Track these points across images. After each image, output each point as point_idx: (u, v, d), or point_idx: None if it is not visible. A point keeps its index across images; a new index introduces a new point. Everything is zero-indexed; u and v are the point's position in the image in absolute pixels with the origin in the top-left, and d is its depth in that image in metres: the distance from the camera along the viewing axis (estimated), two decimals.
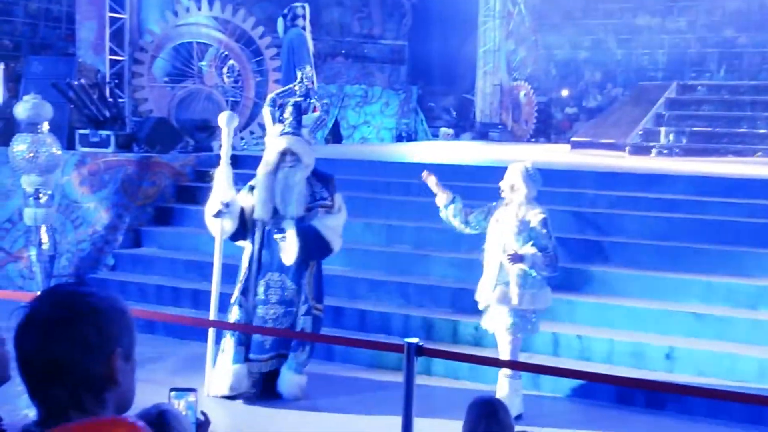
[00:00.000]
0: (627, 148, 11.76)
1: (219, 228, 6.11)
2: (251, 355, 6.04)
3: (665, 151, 11.44)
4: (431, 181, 6.03)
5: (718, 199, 7.96)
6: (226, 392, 5.95)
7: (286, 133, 6.10)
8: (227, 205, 6.00)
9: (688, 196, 8.11)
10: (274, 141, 6.13)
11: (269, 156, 6.06)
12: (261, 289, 6.02)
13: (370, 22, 19.38)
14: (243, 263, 6.16)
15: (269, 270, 6.02)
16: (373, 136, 17.31)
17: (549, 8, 18.59)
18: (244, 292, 6.08)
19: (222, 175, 6.09)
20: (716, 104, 12.35)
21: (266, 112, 8.26)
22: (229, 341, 6.04)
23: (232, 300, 6.12)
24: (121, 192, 9.28)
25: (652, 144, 11.72)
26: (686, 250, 7.33)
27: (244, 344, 6.02)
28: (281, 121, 6.40)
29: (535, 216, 5.59)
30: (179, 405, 2.41)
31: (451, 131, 17.30)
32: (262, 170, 6.09)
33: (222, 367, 6.03)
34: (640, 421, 5.89)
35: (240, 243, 6.21)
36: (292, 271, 6.01)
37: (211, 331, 6.21)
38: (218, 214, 6.04)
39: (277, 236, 5.98)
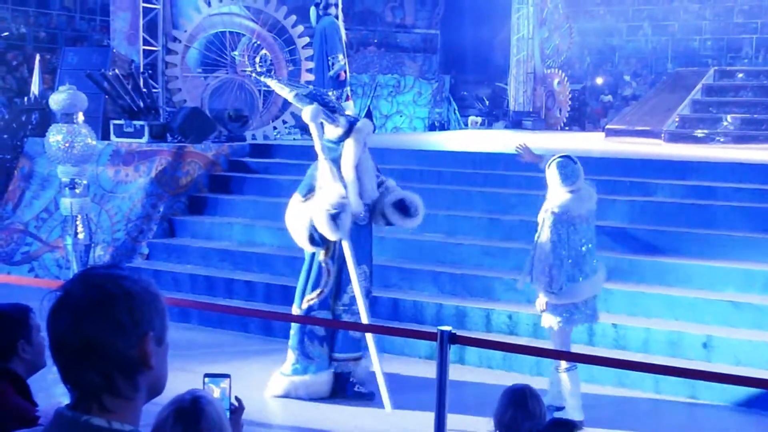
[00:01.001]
0: (663, 135, 11.62)
1: (336, 227, 5.57)
2: (339, 355, 5.92)
3: (703, 137, 11.28)
4: (527, 151, 6.00)
5: (755, 186, 7.84)
6: (305, 397, 5.85)
7: (356, 120, 5.96)
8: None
9: (725, 183, 8.00)
10: (356, 130, 5.79)
11: (353, 148, 5.74)
12: (349, 288, 5.82)
13: (402, 11, 19.32)
14: (324, 266, 5.84)
15: (359, 263, 5.75)
16: (405, 126, 17.26)
17: None
18: (333, 294, 5.86)
19: (327, 171, 5.75)
20: (755, 90, 12.15)
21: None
22: (315, 347, 5.87)
23: (313, 303, 5.85)
24: (155, 182, 9.34)
25: (689, 131, 11.56)
26: (723, 238, 7.23)
27: (330, 345, 5.91)
28: (333, 110, 5.97)
29: (547, 211, 5.48)
30: (214, 391, 2.42)
31: (479, 119, 17.20)
32: (350, 163, 5.71)
33: (306, 375, 5.86)
34: (677, 411, 5.82)
35: (313, 248, 5.84)
36: (368, 259, 5.95)
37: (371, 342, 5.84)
38: (337, 215, 5.56)
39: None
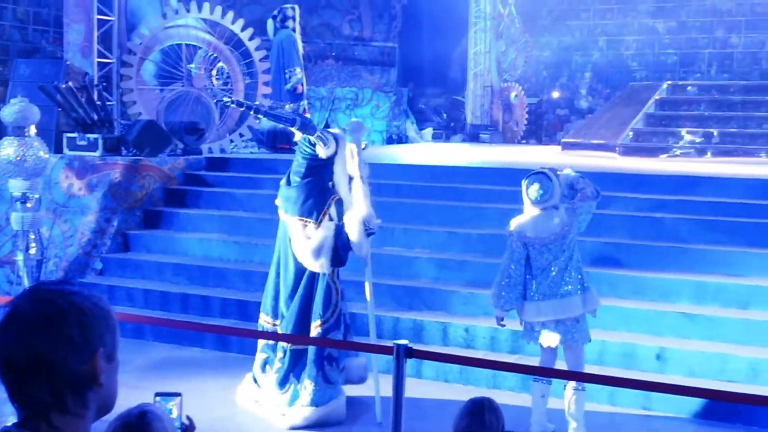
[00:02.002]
0: (618, 148, 11.80)
1: (368, 247, 5.75)
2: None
3: (657, 150, 11.48)
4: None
5: (707, 199, 8.00)
6: (333, 424, 5.68)
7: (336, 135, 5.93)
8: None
9: (678, 196, 8.14)
10: (354, 145, 5.79)
11: (358, 164, 5.75)
12: None
13: (360, 25, 19.38)
14: (333, 285, 5.79)
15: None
16: (363, 139, 17.27)
17: (539, 9, 18.65)
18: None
19: (360, 191, 5.73)
20: (708, 104, 12.40)
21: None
22: (334, 369, 5.78)
23: (329, 325, 5.73)
24: (109, 196, 9.26)
25: (643, 145, 11.76)
26: (676, 250, 7.36)
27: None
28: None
29: (507, 228, 5.53)
30: (164, 409, 2.42)
31: (429, 131, 17.33)
32: (362, 178, 5.75)
33: (330, 402, 5.71)
34: (633, 422, 5.91)
35: (329, 269, 5.77)
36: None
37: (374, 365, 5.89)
38: (369, 234, 5.69)
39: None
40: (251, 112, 6.77)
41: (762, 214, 7.61)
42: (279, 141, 11.67)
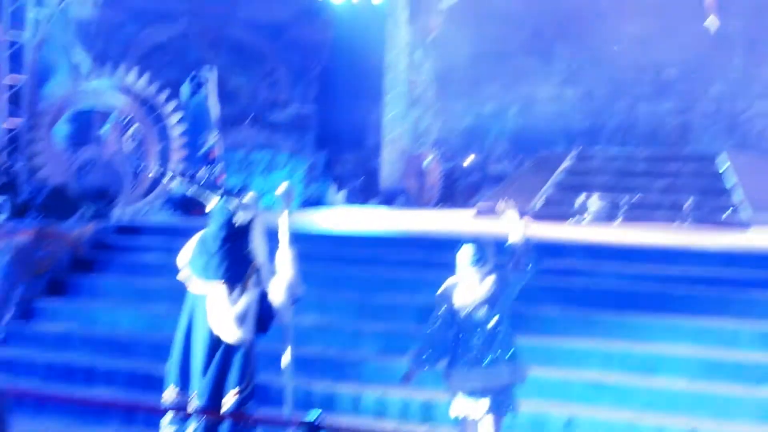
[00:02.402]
0: (529, 215, 12.01)
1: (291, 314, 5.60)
2: None
3: (566, 220, 11.75)
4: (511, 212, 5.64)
5: (613, 267, 8.19)
6: None
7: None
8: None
9: (585, 263, 8.32)
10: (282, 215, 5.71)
11: (287, 217, 5.74)
12: None
13: (278, 88, 19.48)
14: (250, 353, 5.65)
15: None
16: (274, 200, 17.26)
17: (453, 76, 19.06)
18: None
19: (286, 256, 5.60)
20: (613, 172, 12.79)
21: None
22: None
23: (245, 395, 5.57)
24: (14, 262, 8.98)
25: (552, 211, 12.02)
26: (585, 316, 7.49)
27: None
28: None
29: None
30: None
31: (344, 195, 17.45)
32: (288, 244, 5.71)
33: None
34: None
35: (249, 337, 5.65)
36: None
37: None
38: (294, 301, 5.59)
39: None
40: (178, 180, 6.70)
41: (666, 282, 7.83)
42: (192, 206, 11.55)
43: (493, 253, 5.46)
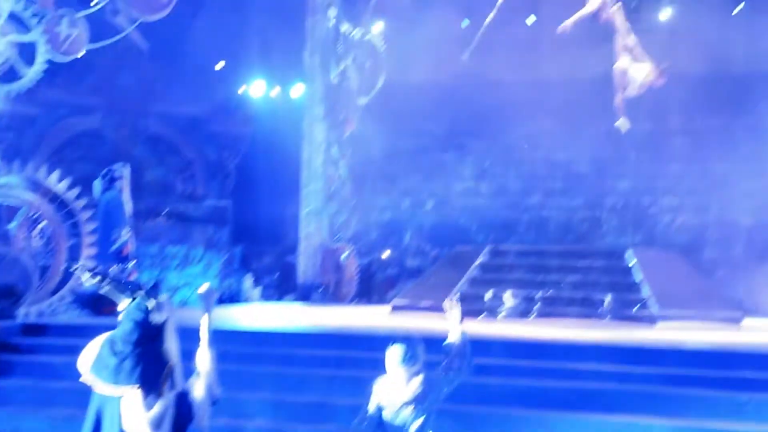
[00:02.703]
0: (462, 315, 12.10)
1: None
2: None
3: (480, 315, 11.87)
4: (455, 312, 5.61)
5: (527, 363, 8.28)
6: None
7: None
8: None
9: (499, 360, 8.39)
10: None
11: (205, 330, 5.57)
12: None
13: (194, 182, 19.43)
14: None
15: None
16: (194, 299, 17.00)
17: (370, 171, 19.33)
18: None
19: (206, 357, 5.40)
20: (526, 268, 13.04)
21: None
22: None
23: None
24: None
25: (467, 307, 12.12)
26: (499, 414, 7.52)
27: None
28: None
29: None
30: None
31: (257, 290, 17.33)
32: (208, 344, 5.53)
33: None
34: None
35: None
36: None
37: None
38: (213, 402, 5.29)
39: None
40: (89, 277, 6.52)
41: (578, 378, 7.94)
42: (103, 304, 11.28)
43: (423, 352, 5.48)
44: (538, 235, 18.53)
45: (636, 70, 10.34)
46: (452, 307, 5.64)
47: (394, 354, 5.36)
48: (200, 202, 19.07)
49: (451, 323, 5.57)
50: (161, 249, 16.99)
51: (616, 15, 10.31)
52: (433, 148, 19.43)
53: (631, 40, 10.33)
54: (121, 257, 11.72)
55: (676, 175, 17.62)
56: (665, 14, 16.44)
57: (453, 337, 5.59)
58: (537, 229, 18.63)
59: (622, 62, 10.38)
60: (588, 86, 16.21)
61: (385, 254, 19.12)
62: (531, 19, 16.62)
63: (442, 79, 18.26)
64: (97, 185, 12.11)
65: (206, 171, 19.50)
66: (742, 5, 16.04)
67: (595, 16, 10.32)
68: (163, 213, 18.32)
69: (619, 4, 10.31)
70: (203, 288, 5.86)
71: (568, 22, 10.18)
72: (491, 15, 10.86)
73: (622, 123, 10.71)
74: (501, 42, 17.49)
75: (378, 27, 15.91)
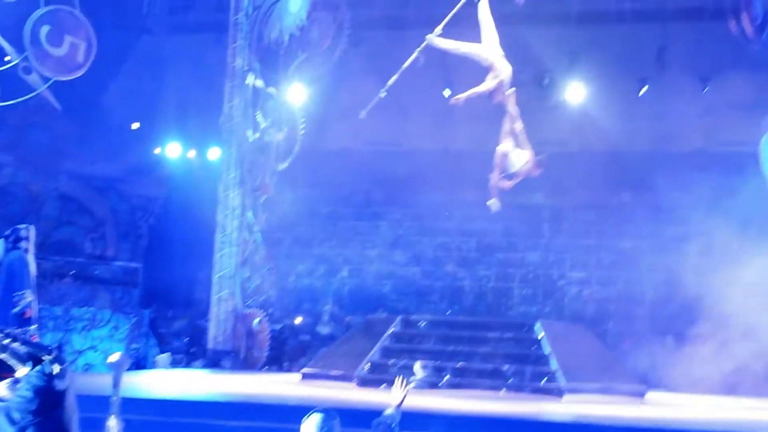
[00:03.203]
0: (355, 379, 12.06)
1: None
2: None
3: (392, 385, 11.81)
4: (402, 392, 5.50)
5: None
6: None
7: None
8: None
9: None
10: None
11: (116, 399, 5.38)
12: None
13: (104, 243, 19.05)
14: None
15: None
16: (99, 362, 16.51)
17: (284, 236, 19.29)
18: None
19: (117, 428, 5.21)
20: (438, 338, 13.09)
21: None
22: None
23: None
24: None
25: (379, 377, 12.10)
26: None
27: None
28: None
29: None
30: None
31: (168, 356, 16.95)
32: (116, 412, 5.35)
33: None
34: None
35: None
36: None
37: None
38: None
39: None
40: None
41: None
42: (1, 370, 10.85)
43: (338, 425, 5.42)
44: (452, 303, 18.70)
45: (516, 156, 10.69)
46: (402, 387, 5.64)
47: (309, 426, 5.29)
48: (110, 263, 18.67)
49: (393, 400, 5.57)
50: (66, 311, 16.52)
51: (509, 99, 10.64)
52: (348, 215, 19.55)
53: (519, 126, 10.67)
54: (23, 320, 11.31)
55: (584, 249, 18.08)
56: (575, 93, 17.02)
57: (388, 411, 5.58)
58: (450, 297, 18.80)
59: (505, 145, 10.71)
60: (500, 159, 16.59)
61: (298, 320, 18.98)
62: (447, 92, 16.98)
63: (358, 147, 18.48)
64: (1, 246, 11.73)
65: (117, 231, 19.16)
66: (646, 88, 16.73)
67: (489, 95, 10.62)
68: (70, 273, 17.86)
69: (514, 89, 10.64)
70: (114, 357, 5.73)
71: (462, 96, 10.45)
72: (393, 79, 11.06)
73: (494, 203, 10.99)
74: (417, 112, 17.87)
75: (297, 93, 16.04)
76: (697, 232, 15.57)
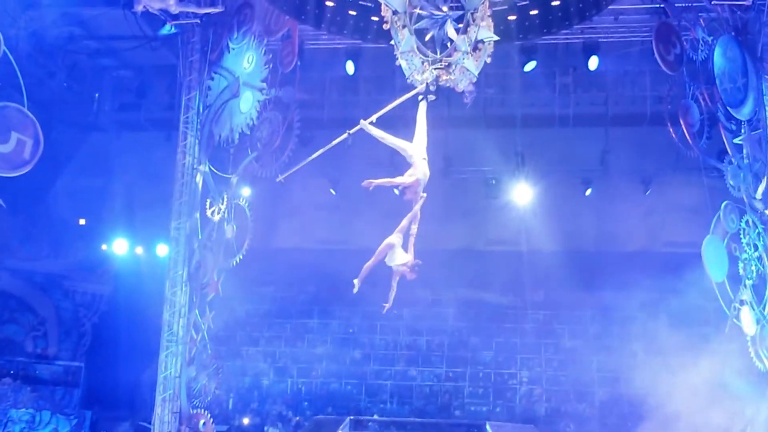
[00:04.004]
0: None
1: None
2: None
3: None
4: None
5: None
6: None
7: None
8: None
9: None
10: None
11: None
12: None
13: (45, 341, 18.66)
14: None
15: None
16: None
17: (232, 335, 19.05)
18: None
19: None
20: None
21: None
22: None
23: None
24: None
25: None
26: None
27: None
28: None
29: None
30: None
31: None
32: None
33: None
34: None
35: None
36: None
37: None
38: None
39: None
40: None
41: None
42: None
43: None
44: (402, 403, 18.51)
45: (399, 254, 10.79)
46: None
47: None
48: (51, 362, 18.24)
49: None
50: (4, 412, 16.08)
51: (420, 201, 10.76)
52: (297, 314, 19.45)
53: (415, 229, 10.81)
54: None
55: (534, 348, 18.13)
56: (522, 193, 17.31)
57: None
58: (400, 397, 18.62)
59: (394, 239, 10.80)
60: (449, 257, 16.72)
61: (246, 421, 18.58)
62: (396, 191, 17.19)
63: (308, 245, 18.50)
64: None
65: (60, 329, 18.79)
66: (590, 190, 17.10)
67: (402, 190, 10.72)
68: (9, 373, 17.42)
69: (425, 195, 10.73)
70: None
71: (375, 182, 10.54)
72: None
73: (356, 284, 11.04)
74: (367, 210, 18.00)
75: (246, 191, 16.07)
76: (642, 332, 15.73)
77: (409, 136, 10.86)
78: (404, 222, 10.72)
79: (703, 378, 12.94)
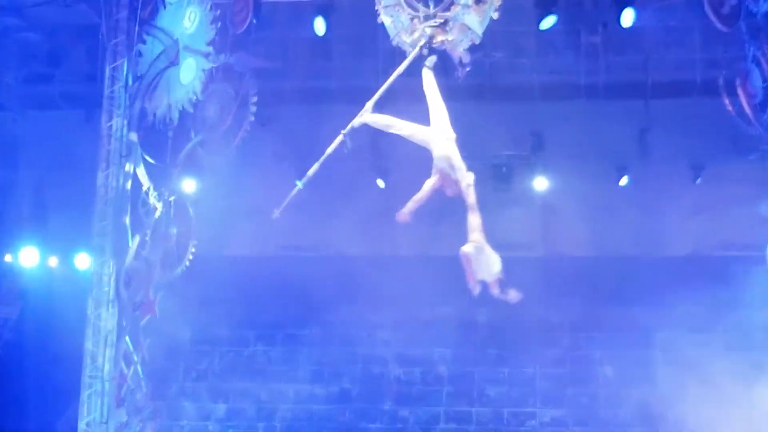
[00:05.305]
0: None
1: None
2: None
3: None
4: None
5: None
6: None
7: None
8: None
9: None
10: None
11: None
12: None
13: None
14: None
15: None
16: None
17: (173, 370, 19.01)
18: None
19: None
20: None
21: None
22: None
23: None
24: None
25: None
26: None
27: None
28: None
29: None
30: None
31: None
32: None
33: None
34: None
35: None
36: None
37: None
38: None
39: None
40: None
41: None
42: None
43: None
44: None
45: (493, 257, 10.65)
46: None
47: None
48: None
49: None
50: None
51: (469, 191, 10.64)
52: (256, 339, 19.40)
53: (478, 223, 10.70)
54: None
55: (557, 380, 18.11)
56: (539, 184, 17.34)
57: None
58: None
59: (476, 237, 10.68)
60: (448, 266, 16.69)
61: None
62: (381, 183, 17.21)
63: (267, 253, 18.44)
64: None
65: None
66: (625, 180, 17.03)
67: (438, 192, 10.67)
68: None
69: (472, 175, 10.62)
70: None
71: (407, 210, 10.48)
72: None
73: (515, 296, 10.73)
74: (343, 209, 17.97)
75: (189, 186, 16.01)
76: (694, 358, 15.74)
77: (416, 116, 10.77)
78: (471, 219, 10.60)
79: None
